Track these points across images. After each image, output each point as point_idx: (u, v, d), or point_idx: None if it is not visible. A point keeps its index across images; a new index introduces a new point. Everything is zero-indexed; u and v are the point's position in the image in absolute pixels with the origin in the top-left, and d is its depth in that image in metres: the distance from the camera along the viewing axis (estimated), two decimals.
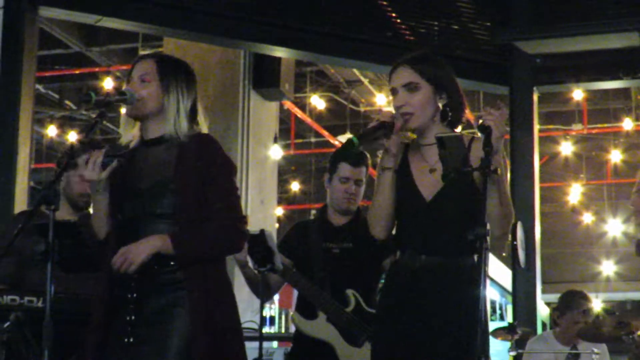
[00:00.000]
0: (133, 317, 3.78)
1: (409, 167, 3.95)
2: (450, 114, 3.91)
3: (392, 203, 3.89)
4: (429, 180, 3.88)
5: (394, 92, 3.92)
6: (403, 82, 3.89)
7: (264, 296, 5.24)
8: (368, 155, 5.60)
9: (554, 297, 7.36)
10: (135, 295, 3.80)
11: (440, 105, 3.91)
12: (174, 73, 4.00)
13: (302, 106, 14.20)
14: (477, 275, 3.39)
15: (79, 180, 4.99)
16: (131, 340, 3.76)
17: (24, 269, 4.93)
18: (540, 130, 9.19)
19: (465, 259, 3.81)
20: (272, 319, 12.26)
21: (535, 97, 8.51)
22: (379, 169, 3.93)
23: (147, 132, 3.99)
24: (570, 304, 7.20)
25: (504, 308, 18.00)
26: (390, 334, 3.86)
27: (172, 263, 3.80)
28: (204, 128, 4.06)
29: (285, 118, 14.46)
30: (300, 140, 15.82)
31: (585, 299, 7.28)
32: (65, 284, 4.40)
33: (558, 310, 7.26)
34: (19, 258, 4.88)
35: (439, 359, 3.76)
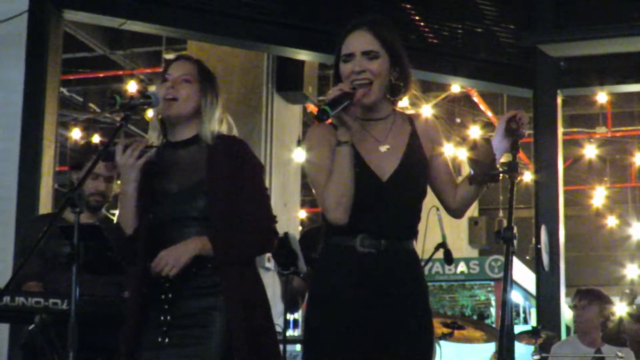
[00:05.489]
0: (168, 318, 3.77)
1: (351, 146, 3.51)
2: (403, 90, 3.63)
3: (353, 180, 3.44)
4: (381, 158, 3.54)
5: (350, 57, 3.56)
6: (363, 49, 3.55)
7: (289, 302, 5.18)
8: None
9: None
10: (170, 296, 3.79)
11: (392, 79, 3.59)
12: (210, 77, 4.03)
13: None
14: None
15: (89, 180, 4.99)
16: (166, 341, 3.75)
17: (48, 270, 4.96)
18: (564, 133, 9.15)
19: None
20: (295, 322, 12.25)
21: (559, 100, 8.48)
22: (335, 146, 3.48)
23: (176, 134, 3.97)
24: (600, 295, 7.15)
25: (527, 312, 17.95)
26: (343, 327, 3.46)
27: (209, 265, 3.79)
28: (232, 132, 4.06)
29: (308, 121, 14.45)
30: None
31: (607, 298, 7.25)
32: (89, 287, 4.42)
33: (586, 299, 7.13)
34: (43, 259, 4.92)
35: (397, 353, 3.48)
